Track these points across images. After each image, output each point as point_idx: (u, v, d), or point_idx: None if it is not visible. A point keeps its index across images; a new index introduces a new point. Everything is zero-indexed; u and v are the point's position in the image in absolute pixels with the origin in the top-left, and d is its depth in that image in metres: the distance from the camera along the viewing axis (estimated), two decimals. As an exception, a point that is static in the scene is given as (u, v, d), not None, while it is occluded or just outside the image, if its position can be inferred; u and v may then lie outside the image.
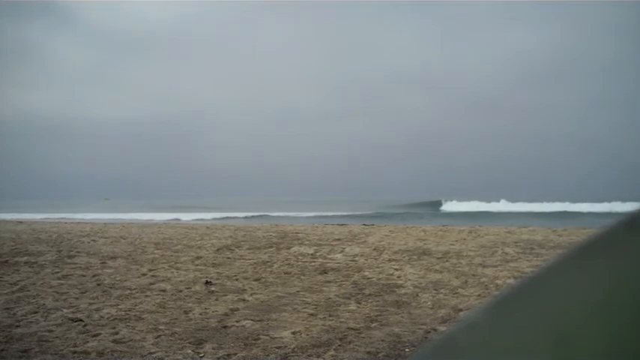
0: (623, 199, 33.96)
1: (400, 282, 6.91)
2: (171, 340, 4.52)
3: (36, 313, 5.37)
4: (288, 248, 10.08)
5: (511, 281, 6.78)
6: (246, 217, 31.01)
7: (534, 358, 0.29)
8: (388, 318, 5.20)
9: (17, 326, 4.88)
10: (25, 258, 8.87)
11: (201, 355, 4.19)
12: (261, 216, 32.41)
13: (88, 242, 11.06)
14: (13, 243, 10.79)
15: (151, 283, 6.88)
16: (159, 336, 4.62)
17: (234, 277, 7.31)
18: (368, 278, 7.19)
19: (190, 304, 5.75)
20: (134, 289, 6.53)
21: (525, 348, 0.29)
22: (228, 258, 9.03)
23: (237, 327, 4.91)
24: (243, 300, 6.00)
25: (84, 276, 7.36)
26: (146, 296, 6.14)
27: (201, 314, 5.35)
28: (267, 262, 8.59)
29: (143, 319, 5.16)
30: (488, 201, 41.49)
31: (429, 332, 4.75)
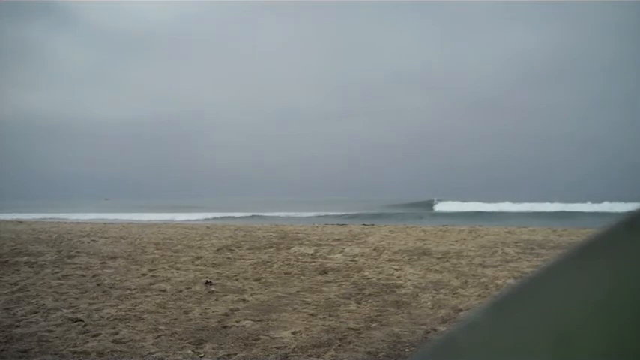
0: (623, 199, 33.91)
1: (400, 282, 6.91)
2: (171, 340, 4.52)
3: (36, 313, 5.37)
4: (288, 248, 10.08)
5: (511, 281, 6.78)
6: (246, 217, 30.98)
7: (534, 358, 0.29)
8: (388, 318, 5.20)
9: (17, 326, 4.88)
10: (25, 258, 8.87)
11: (201, 355, 4.19)
12: (261, 216, 32.37)
13: (88, 242, 11.06)
14: (13, 243, 10.80)
15: (151, 283, 6.88)
16: (159, 336, 4.62)
17: (234, 277, 7.31)
18: (368, 278, 7.19)
19: (190, 304, 5.75)
20: (134, 289, 6.54)
21: (525, 348, 0.29)
22: (228, 258, 9.03)
23: (237, 327, 4.91)
24: (243, 300, 6.00)
25: (84, 276, 7.36)
26: (146, 296, 6.15)
27: (201, 314, 5.35)
28: (267, 262, 8.59)
29: (143, 319, 5.16)
30: (488, 201, 41.42)
31: (429, 332, 4.75)
